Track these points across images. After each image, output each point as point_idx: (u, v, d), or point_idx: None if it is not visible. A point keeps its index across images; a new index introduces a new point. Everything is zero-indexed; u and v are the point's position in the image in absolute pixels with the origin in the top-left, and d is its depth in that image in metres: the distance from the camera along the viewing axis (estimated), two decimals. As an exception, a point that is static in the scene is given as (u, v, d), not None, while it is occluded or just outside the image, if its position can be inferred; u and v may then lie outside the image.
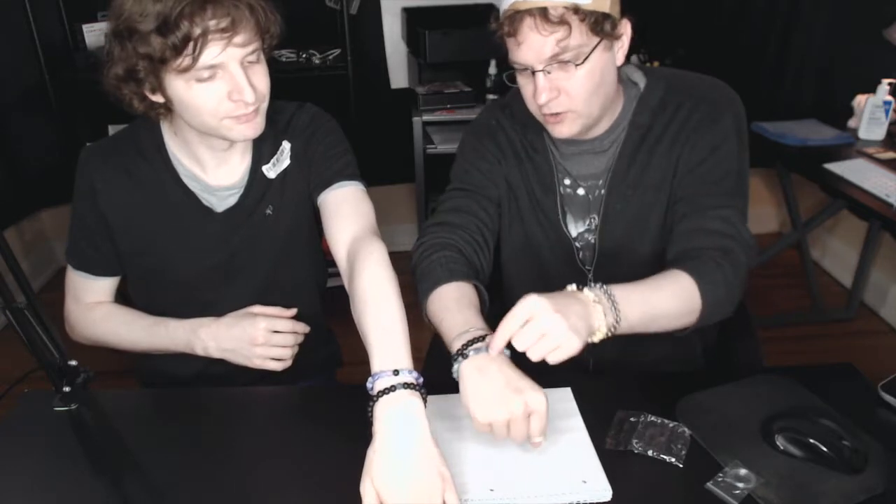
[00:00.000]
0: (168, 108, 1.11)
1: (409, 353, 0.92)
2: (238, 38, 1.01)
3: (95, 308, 1.29)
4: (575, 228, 1.24)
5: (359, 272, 1.04)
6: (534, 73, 1.06)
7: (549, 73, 1.05)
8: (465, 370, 0.93)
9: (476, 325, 1.00)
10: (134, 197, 1.21)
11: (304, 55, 2.66)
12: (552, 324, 0.87)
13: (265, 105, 1.11)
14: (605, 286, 0.97)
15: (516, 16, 1.02)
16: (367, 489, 0.82)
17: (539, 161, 1.23)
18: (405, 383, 0.87)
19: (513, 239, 1.28)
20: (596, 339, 0.94)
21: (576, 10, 1.00)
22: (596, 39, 1.04)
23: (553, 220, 1.23)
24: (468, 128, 1.32)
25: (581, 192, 1.22)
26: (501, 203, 1.27)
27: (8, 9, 2.49)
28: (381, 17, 2.89)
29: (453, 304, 1.07)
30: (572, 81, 1.06)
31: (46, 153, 2.81)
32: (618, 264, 1.22)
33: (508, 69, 1.11)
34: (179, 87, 1.03)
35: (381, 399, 0.86)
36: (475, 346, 0.95)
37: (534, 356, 0.88)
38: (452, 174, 1.30)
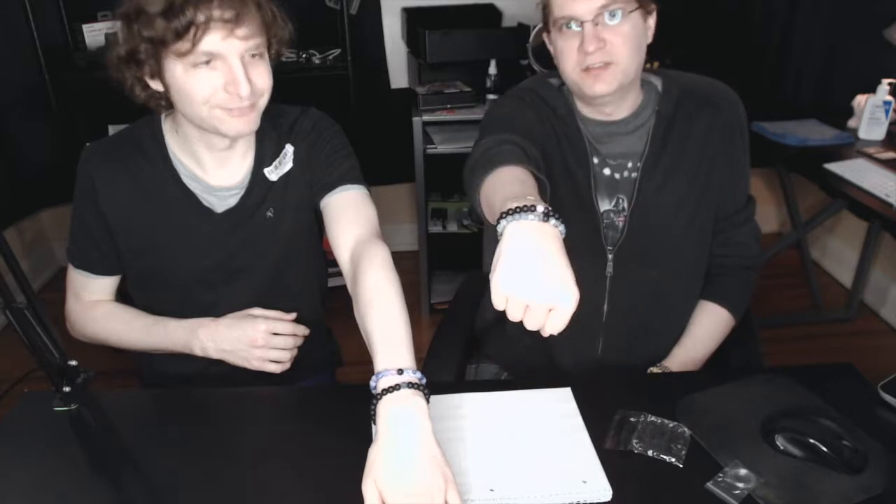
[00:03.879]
0: (168, 100, 1.11)
1: (413, 353, 0.92)
2: (240, 31, 1.02)
3: (96, 306, 1.29)
4: (602, 206, 1.25)
5: (362, 274, 1.05)
6: (582, 25, 1.12)
7: (597, 24, 1.11)
8: (511, 230, 0.81)
9: (532, 196, 0.88)
10: (134, 196, 1.21)
11: (304, 55, 2.66)
12: None
13: (263, 102, 1.11)
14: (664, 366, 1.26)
15: None
16: (369, 489, 0.81)
17: (572, 135, 1.25)
18: (409, 383, 0.86)
19: None
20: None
21: None
22: (635, 4, 1.13)
23: (584, 193, 1.24)
24: (499, 99, 1.33)
25: (607, 171, 1.24)
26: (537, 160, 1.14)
27: (8, 9, 2.48)
28: (381, 17, 2.89)
29: (517, 182, 0.95)
30: (616, 35, 1.12)
31: (46, 153, 2.81)
32: (642, 249, 1.24)
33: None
34: (177, 71, 1.04)
35: (384, 398, 0.85)
36: (530, 212, 0.82)
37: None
38: (486, 128, 1.22)
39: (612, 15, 1.11)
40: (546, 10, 1.17)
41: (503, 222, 0.83)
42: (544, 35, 1.22)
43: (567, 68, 1.17)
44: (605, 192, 1.25)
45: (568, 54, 1.15)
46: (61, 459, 1.00)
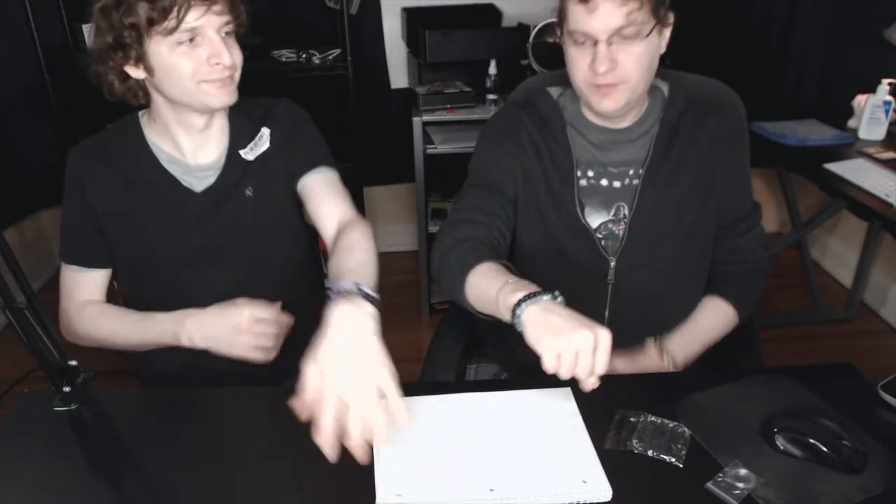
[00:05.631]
0: (145, 91, 1.21)
1: (376, 285, 1.04)
2: (216, 7, 1.12)
3: (87, 306, 1.32)
4: (597, 219, 1.25)
5: (345, 235, 1.21)
6: (595, 43, 1.10)
7: (610, 44, 1.09)
8: (531, 312, 0.96)
9: (524, 283, 1.03)
10: (119, 185, 1.27)
11: (304, 55, 2.66)
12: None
13: (237, 75, 1.20)
14: (665, 343, 1.24)
15: None
16: (311, 371, 0.86)
17: (559, 155, 1.25)
18: (365, 294, 0.96)
19: (533, 232, 1.29)
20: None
21: None
22: (654, 21, 1.10)
23: (571, 211, 1.24)
24: (487, 125, 1.34)
25: (605, 182, 1.24)
26: (518, 199, 1.29)
27: (8, 9, 2.48)
28: (381, 17, 2.89)
29: (494, 274, 1.10)
30: (629, 56, 1.11)
31: (46, 153, 2.81)
32: (643, 255, 1.24)
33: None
34: (163, 52, 1.12)
35: (339, 299, 0.94)
36: (534, 297, 0.98)
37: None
38: (470, 169, 1.33)
39: (626, 38, 1.09)
40: (562, 14, 1.15)
41: (518, 312, 0.97)
42: (558, 36, 1.21)
43: (577, 79, 1.17)
44: (600, 204, 1.25)
45: (579, 67, 1.15)
46: (61, 459, 1.00)
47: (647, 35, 1.10)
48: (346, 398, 0.84)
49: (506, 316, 1.01)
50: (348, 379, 0.85)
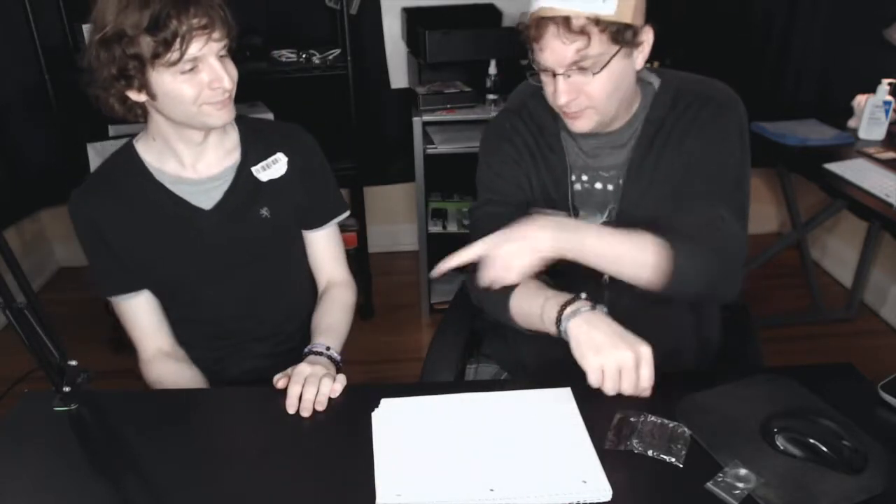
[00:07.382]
0: (145, 110, 1.21)
1: (341, 347, 1.31)
2: (215, 35, 1.14)
3: (157, 364, 1.32)
4: (592, 222, 1.25)
5: (330, 291, 1.41)
6: (555, 75, 1.10)
7: (568, 76, 1.09)
8: (575, 324, 1.05)
9: (562, 294, 1.10)
10: (129, 214, 1.27)
11: (304, 55, 2.65)
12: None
13: (234, 91, 1.22)
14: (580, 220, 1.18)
15: (541, 22, 1.07)
16: (284, 373, 1.14)
17: (553, 160, 1.26)
18: (329, 356, 1.24)
19: None
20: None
21: (597, 21, 1.04)
22: (616, 48, 1.07)
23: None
24: (485, 134, 1.35)
25: (598, 185, 1.25)
26: (529, 203, 1.29)
27: (8, 9, 2.48)
28: (381, 17, 2.88)
29: (534, 292, 1.15)
30: (591, 85, 1.10)
31: (46, 153, 2.81)
32: None
33: (527, 66, 1.16)
34: (166, 80, 1.13)
35: (310, 356, 1.22)
36: (575, 305, 1.07)
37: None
38: (478, 181, 1.33)
39: (585, 68, 1.07)
40: (526, 43, 1.13)
41: (563, 325, 1.06)
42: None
43: (549, 101, 1.18)
44: (594, 207, 1.25)
45: (548, 93, 1.15)
46: (61, 459, 1.00)
47: (607, 63, 1.07)
48: (307, 375, 1.11)
49: (552, 330, 1.09)
50: (309, 370, 1.12)
